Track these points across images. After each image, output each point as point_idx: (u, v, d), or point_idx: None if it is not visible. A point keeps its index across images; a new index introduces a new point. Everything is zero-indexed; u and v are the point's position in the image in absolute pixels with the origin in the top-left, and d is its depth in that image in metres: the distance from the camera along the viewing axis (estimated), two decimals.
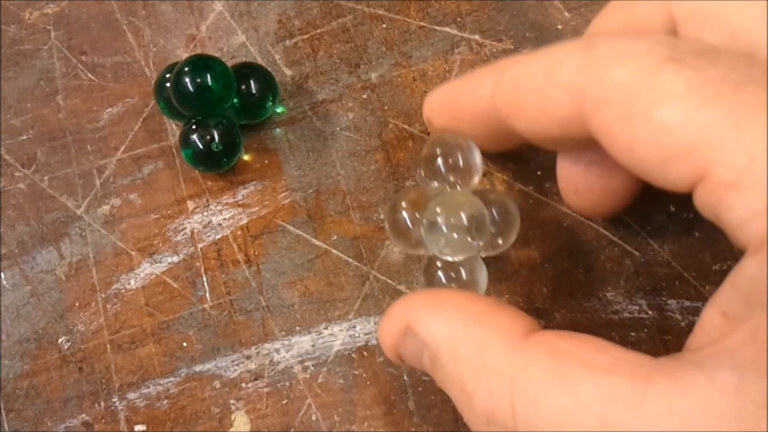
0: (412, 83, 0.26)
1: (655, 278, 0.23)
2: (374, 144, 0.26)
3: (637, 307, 0.23)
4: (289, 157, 0.26)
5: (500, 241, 0.22)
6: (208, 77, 0.23)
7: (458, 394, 0.17)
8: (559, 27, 0.26)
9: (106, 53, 0.28)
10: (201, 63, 0.24)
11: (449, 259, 0.21)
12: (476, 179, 0.22)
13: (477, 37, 0.27)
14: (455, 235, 0.20)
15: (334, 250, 0.24)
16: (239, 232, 0.25)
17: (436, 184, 0.22)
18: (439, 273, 0.21)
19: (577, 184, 0.22)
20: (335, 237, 0.25)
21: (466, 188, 0.22)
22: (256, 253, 0.25)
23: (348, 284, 0.24)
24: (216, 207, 0.25)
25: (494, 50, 0.26)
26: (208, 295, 0.24)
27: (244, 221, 0.25)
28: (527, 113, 0.19)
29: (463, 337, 0.17)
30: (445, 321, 0.18)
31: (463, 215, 0.20)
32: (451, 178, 0.22)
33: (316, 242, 0.25)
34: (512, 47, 0.26)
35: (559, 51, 0.18)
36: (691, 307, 0.23)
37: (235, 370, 0.24)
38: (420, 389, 0.23)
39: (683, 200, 0.24)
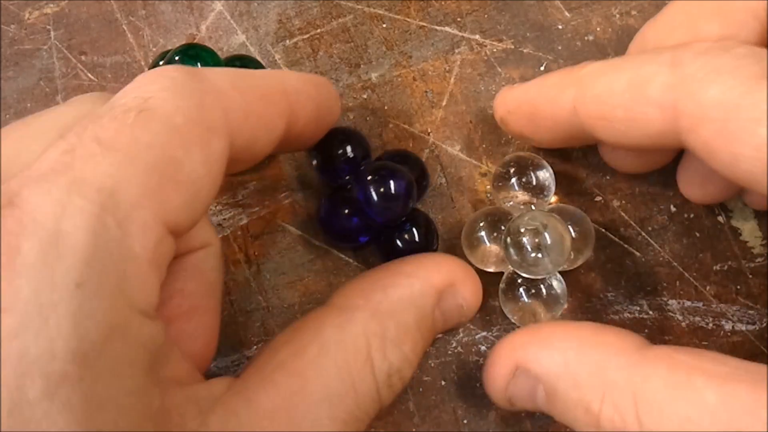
0: (413, 83, 0.26)
1: (656, 278, 0.23)
2: (374, 144, 0.25)
3: (638, 308, 0.23)
4: (289, 157, 0.26)
5: (573, 256, 0.22)
6: (198, 66, 0.23)
7: (584, 417, 0.18)
8: (560, 27, 0.26)
9: (105, 53, 0.28)
10: (191, 52, 0.23)
11: (531, 276, 0.22)
12: (551, 197, 0.23)
13: (477, 36, 0.27)
14: (540, 256, 0.21)
15: (334, 251, 0.24)
16: (239, 232, 0.25)
17: (510, 203, 0.22)
18: (521, 290, 0.22)
19: None
20: None
21: (541, 206, 0.22)
22: (256, 254, 0.25)
23: None
24: (216, 207, 0.25)
25: (495, 50, 0.26)
26: None
27: (244, 221, 0.25)
28: (616, 127, 0.19)
29: (578, 362, 0.18)
30: (556, 351, 0.18)
31: (547, 235, 0.21)
32: (526, 197, 0.22)
33: (317, 242, 0.25)
34: (512, 47, 0.26)
35: (644, 67, 0.18)
36: (691, 308, 0.23)
37: (235, 370, 0.24)
38: (420, 390, 0.23)
39: (684, 200, 0.24)
